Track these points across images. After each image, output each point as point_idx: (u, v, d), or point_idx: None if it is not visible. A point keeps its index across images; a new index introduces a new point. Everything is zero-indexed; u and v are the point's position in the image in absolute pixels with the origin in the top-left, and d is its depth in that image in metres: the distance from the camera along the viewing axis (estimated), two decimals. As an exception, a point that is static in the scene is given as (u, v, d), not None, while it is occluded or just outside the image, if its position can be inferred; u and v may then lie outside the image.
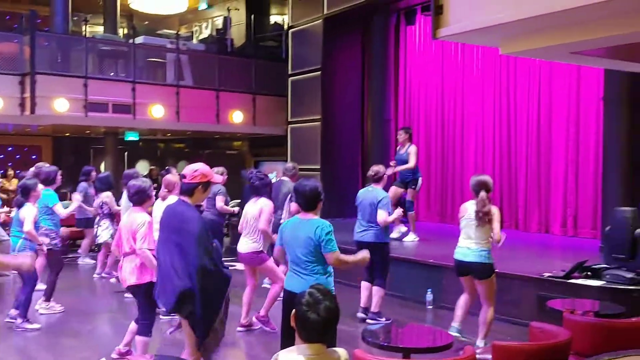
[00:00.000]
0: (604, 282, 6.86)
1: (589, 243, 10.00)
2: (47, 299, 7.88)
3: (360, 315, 7.50)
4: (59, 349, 6.59)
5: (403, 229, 10.44)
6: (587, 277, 7.06)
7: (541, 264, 8.05)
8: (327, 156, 13.55)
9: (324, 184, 12.91)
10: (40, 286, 8.51)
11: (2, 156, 17.39)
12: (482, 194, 6.01)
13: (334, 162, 13.50)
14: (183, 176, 4.49)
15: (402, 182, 10.26)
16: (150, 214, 5.88)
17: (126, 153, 18.63)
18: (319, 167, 13.53)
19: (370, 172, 7.61)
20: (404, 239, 10.28)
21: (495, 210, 6.06)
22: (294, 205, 8.42)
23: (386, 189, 7.87)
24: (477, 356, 4.09)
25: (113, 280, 9.21)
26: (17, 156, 17.57)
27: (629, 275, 6.71)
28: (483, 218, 5.98)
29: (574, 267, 7.13)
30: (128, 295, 8.37)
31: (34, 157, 17.43)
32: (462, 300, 6.46)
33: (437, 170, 13.40)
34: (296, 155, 14.12)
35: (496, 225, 6.02)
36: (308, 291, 3.04)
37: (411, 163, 10.00)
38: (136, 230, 5.45)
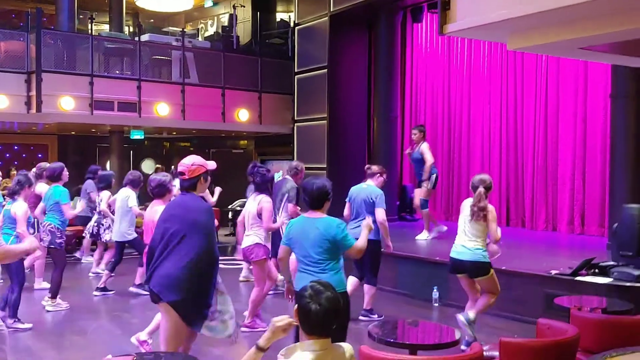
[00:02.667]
0: (611, 279, 6.83)
1: (596, 241, 9.96)
2: (54, 297, 7.88)
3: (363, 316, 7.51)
4: (65, 346, 6.60)
5: (444, 227, 10.35)
6: (594, 274, 7.03)
7: (548, 261, 8.01)
8: (334, 155, 13.50)
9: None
10: (44, 285, 8.61)
11: (8, 155, 17.43)
12: (480, 189, 5.99)
13: (341, 160, 13.45)
14: (182, 173, 4.46)
15: (421, 181, 10.24)
16: None
17: (132, 151, 18.64)
18: (325, 165, 13.50)
19: (366, 167, 7.83)
20: (416, 237, 10.24)
21: (491, 208, 6.03)
22: (291, 206, 8.44)
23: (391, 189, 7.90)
24: (485, 353, 4.07)
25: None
26: (24, 155, 17.59)
27: (637, 272, 6.67)
28: (477, 213, 5.95)
29: (581, 264, 7.10)
30: (133, 289, 8.48)
31: (40, 155, 17.44)
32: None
33: (443, 167, 13.33)
34: (302, 154, 14.09)
35: (493, 224, 5.98)
36: (309, 285, 3.05)
37: (429, 160, 10.00)
38: None
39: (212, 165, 4.62)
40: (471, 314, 6.12)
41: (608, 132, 9.81)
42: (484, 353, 5.44)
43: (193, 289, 4.24)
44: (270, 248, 7.12)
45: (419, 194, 10.34)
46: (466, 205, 6.15)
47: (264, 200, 6.95)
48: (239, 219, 7.49)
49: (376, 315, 7.44)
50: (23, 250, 4.37)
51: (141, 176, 9.28)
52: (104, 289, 8.81)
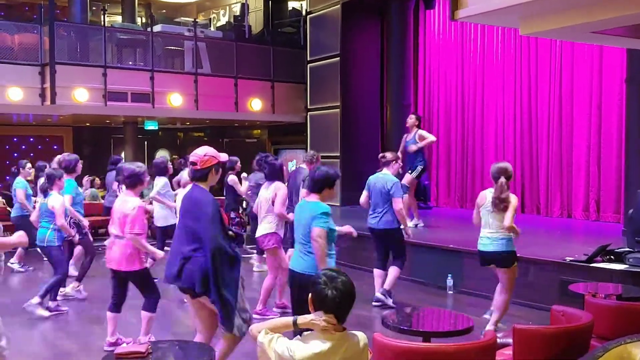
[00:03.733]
0: (626, 265, 6.78)
1: (612, 227, 9.89)
2: (78, 280, 8.01)
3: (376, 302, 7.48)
4: (83, 335, 6.65)
5: (421, 224, 10.30)
6: (609, 261, 6.98)
7: (563, 248, 7.96)
8: (347, 143, 13.50)
9: (344, 171, 12.90)
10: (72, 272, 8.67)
11: (24, 147, 17.55)
12: (502, 179, 5.90)
13: (354, 149, 13.44)
14: (193, 163, 4.47)
15: (411, 169, 10.11)
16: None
17: (146, 142, 18.71)
18: (338, 154, 13.50)
19: (380, 155, 7.70)
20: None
21: (513, 199, 5.92)
22: (303, 191, 8.48)
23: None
24: (498, 340, 4.06)
25: None
26: (39, 147, 17.71)
27: (653, 258, 6.62)
28: (499, 205, 5.88)
29: (597, 251, 7.05)
30: None
31: (55, 147, 17.55)
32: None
33: (457, 155, 13.30)
34: (316, 143, 14.10)
35: (509, 213, 5.86)
36: (322, 272, 3.10)
37: (431, 137, 9.93)
38: (127, 215, 5.51)
39: (224, 157, 4.63)
40: (498, 323, 6.12)
41: (623, 117, 9.71)
42: (498, 340, 5.45)
43: (219, 282, 4.26)
44: (282, 236, 7.14)
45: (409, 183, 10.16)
46: (488, 196, 6.04)
47: (279, 187, 6.96)
48: (254, 208, 7.51)
49: (391, 300, 7.38)
50: (12, 243, 4.32)
51: (165, 161, 9.35)
52: None
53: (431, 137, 9.98)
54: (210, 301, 4.28)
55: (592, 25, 4.29)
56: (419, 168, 9.95)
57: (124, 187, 5.97)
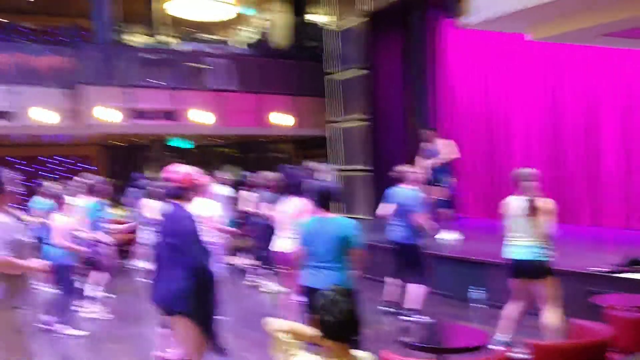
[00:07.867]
0: (657, 276, 6.55)
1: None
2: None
3: (383, 308, 7.43)
4: (104, 353, 6.66)
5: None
6: (638, 271, 6.75)
7: (594, 258, 7.72)
8: (373, 156, 13.40)
9: (372, 185, 12.87)
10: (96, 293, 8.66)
11: (54, 166, 17.79)
12: (529, 184, 5.67)
13: (381, 161, 13.28)
14: (171, 180, 4.50)
15: (437, 180, 9.96)
16: None
17: (174, 160, 18.84)
18: (365, 167, 13.41)
19: (394, 174, 7.50)
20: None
21: (543, 202, 5.64)
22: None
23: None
24: (519, 355, 3.94)
25: None
26: (70, 166, 17.93)
27: (683, 267, 6.39)
28: (534, 211, 5.59)
29: (626, 261, 6.84)
30: None
31: (86, 165, 17.77)
32: (511, 309, 5.99)
33: (483, 165, 13.08)
34: (341, 156, 14.04)
35: (549, 218, 5.60)
36: (325, 293, 2.96)
37: (454, 152, 9.80)
38: None
39: (203, 180, 4.72)
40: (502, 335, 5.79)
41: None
42: (518, 355, 5.28)
43: (199, 298, 4.28)
44: None
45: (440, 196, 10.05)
46: (513, 203, 5.78)
47: (299, 202, 6.74)
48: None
49: (416, 317, 7.15)
50: (25, 266, 4.20)
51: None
52: None
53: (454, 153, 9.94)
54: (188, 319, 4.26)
55: (602, 27, 4.15)
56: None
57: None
